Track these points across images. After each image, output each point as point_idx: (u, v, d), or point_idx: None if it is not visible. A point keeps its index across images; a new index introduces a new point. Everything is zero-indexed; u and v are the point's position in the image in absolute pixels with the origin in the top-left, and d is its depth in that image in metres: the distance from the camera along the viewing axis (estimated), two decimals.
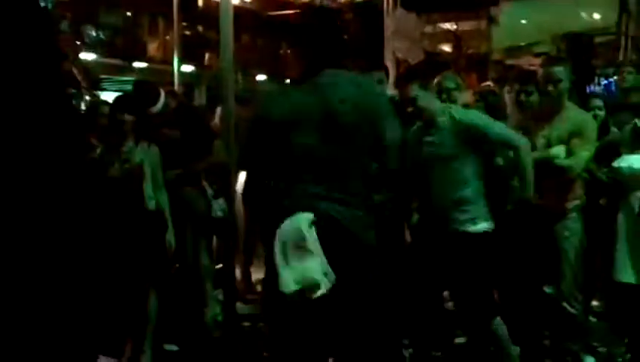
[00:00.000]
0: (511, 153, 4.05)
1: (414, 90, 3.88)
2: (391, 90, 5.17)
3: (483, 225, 3.87)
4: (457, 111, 3.96)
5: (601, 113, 4.75)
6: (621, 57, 9.61)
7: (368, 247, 2.81)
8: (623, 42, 9.79)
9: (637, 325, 4.16)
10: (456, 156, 3.83)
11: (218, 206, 5.36)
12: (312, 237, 2.64)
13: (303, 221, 2.66)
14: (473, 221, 3.85)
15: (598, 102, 4.85)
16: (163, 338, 4.77)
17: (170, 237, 4.54)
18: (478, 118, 3.96)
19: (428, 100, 3.91)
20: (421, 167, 3.92)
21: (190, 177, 4.96)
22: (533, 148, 4.11)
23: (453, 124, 3.84)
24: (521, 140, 3.92)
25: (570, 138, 4.10)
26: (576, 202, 4.19)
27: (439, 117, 3.89)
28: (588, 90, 8.75)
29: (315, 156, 2.78)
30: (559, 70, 4.14)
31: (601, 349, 4.66)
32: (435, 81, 4.27)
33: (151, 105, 4.94)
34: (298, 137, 2.78)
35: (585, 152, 4.10)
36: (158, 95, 5.01)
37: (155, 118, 4.91)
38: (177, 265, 5.02)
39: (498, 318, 3.91)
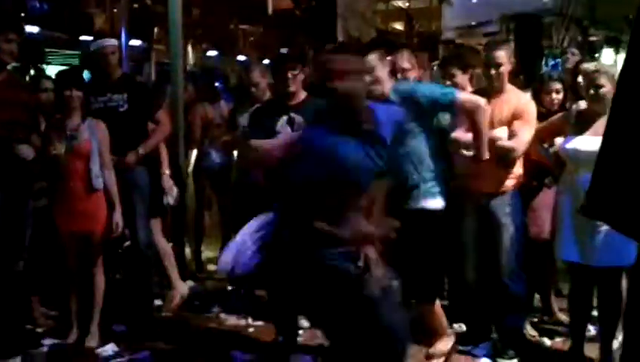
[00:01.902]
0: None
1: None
2: None
3: (437, 203, 3.92)
4: (400, 85, 3.97)
5: (559, 96, 4.79)
6: (566, 38, 9.77)
7: None
8: (567, 24, 9.95)
9: (582, 301, 4.26)
10: (408, 132, 3.85)
11: (172, 196, 5.31)
12: None
13: None
14: (426, 198, 3.90)
15: (557, 86, 4.85)
16: (111, 318, 4.70)
17: (117, 216, 4.46)
18: (413, 85, 3.98)
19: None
20: None
21: (147, 157, 4.85)
22: None
23: (398, 100, 3.85)
24: (455, 97, 3.93)
25: (511, 120, 4.16)
26: (515, 181, 4.26)
27: (391, 96, 3.89)
28: (544, 70, 8.86)
29: None
30: (500, 54, 4.20)
31: (545, 325, 4.78)
32: (389, 59, 4.26)
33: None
34: None
35: (526, 134, 4.17)
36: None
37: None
38: (127, 245, 4.95)
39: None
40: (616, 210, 1.76)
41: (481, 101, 3.97)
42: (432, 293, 4.10)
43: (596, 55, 10.48)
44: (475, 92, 4.40)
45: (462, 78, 4.72)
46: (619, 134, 1.76)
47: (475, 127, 3.97)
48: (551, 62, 11.25)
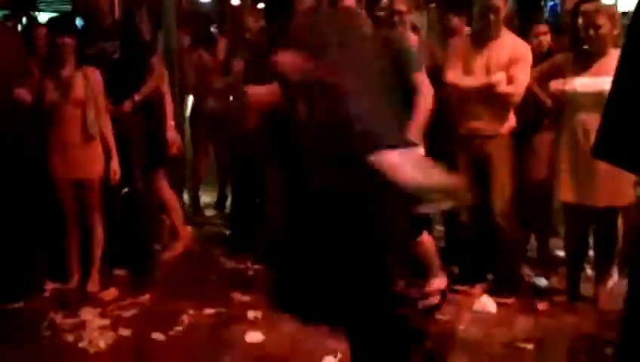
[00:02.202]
0: None
1: None
2: None
3: None
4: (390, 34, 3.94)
5: (547, 37, 4.79)
6: None
7: None
8: None
9: (579, 241, 4.30)
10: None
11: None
12: None
13: None
14: None
15: (542, 28, 4.89)
16: (111, 262, 4.75)
17: (114, 164, 4.45)
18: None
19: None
20: None
21: (146, 106, 4.81)
22: (471, 72, 4.21)
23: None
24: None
25: (509, 64, 4.17)
26: (510, 125, 4.29)
27: None
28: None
29: None
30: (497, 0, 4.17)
31: (541, 264, 4.84)
32: (385, 1, 4.21)
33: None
34: None
35: (523, 77, 4.18)
36: None
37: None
38: (125, 191, 4.96)
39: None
40: (628, 151, 1.76)
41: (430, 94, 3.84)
42: (416, 227, 4.09)
43: None
44: (472, 35, 4.38)
45: (457, 21, 4.72)
46: (631, 74, 1.75)
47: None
48: (550, 4, 11.11)
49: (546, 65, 4.33)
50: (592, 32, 3.98)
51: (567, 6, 5.64)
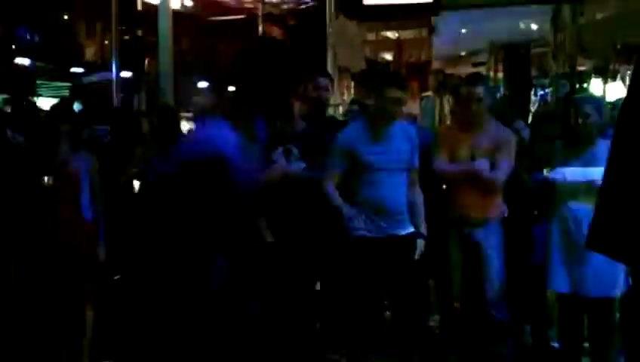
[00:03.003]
0: None
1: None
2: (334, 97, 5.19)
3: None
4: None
5: (525, 132, 4.89)
6: (554, 68, 9.85)
7: None
8: (556, 54, 10.05)
9: (573, 331, 4.24)
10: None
11: None
12: None
13: None
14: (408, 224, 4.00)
15: (521, 124, 4.99)
16: (100, 352, 4.64)
17: (100, 249, 4.42)
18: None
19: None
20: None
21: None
22: (457, 159, 4.30)
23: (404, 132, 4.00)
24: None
25: (493, 151, 4.24)
26: (498, 211, 4.31)
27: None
28: (532, 100, 8.95)
29: None
30: (480, 89, 4.30)
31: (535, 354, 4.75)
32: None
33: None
34: None
35: (507, 164, 4.24)
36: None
37: None
38: (116, 278, 4.90)
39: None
40: (621, 243, 1.75)
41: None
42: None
43: (584, 85, 10.56)
44: (457, 124, 4.51)
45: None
46: (622, 165, 1.77)
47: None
48: (540, 92, 11.34)
49: (532, 155, 4.41)
50: (580, 120, 4.05)
51: (558, 94, 5.78)
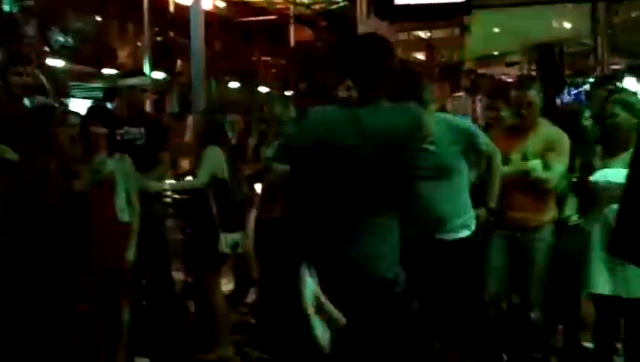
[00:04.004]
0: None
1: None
2: None
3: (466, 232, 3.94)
4: (452, 118, 4.07)
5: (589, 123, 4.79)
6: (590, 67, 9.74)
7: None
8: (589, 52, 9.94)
9: (609, 333, 4.17)
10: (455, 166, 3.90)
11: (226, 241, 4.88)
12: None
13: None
14: (462, 229, 3.91)
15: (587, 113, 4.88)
16: (135, 350, 4.67)
17: (129, 251, 4.41)
18: (470, 125, 4.12)
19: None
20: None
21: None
22: (509, 162, 4.22)
23: (450, 132, 3.89)
24: (497, 151, 4.07)
25: (545, 152, 4.19)
26: (551, 215, 4.26)
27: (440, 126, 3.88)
28: (558, 101, 8.85)
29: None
30: (532, 93, 4.24)
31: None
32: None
33: None
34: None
35: (560, 165, 4.18)
36: None
37: None
38: (149, 277, 4.94)
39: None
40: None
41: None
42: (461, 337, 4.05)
43: (618, 84, 10.44)
44: (508, 128, 4.42)
45: (506, 112, 4.77)
46: None
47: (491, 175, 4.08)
48: (573, 92, 11.20)
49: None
50: (609, 120, 3.99)
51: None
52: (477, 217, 4.01)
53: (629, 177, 1.76)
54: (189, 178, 5.25)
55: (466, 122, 4.26)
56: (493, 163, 4.05)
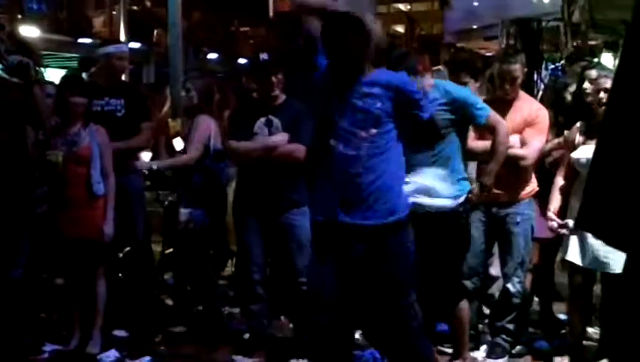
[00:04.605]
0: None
1: None
2: None
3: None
4: (451, 86, 3.94)
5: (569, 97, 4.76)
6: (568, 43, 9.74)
7: None
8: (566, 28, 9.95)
9: (583, 304, 4.21)
10: (448, 132, 3.82)
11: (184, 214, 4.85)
12: None
13: None
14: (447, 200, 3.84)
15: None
16: (112, 323, 4.66)
17: (107, 227, 4.35)
18: (469, 94, 3.98)
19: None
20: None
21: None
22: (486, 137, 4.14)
23: (447, 99, 3.81)
24: (503, 123, 3.94)
25: (523, 127, 4.16)
26: (529, 189, 4.26)
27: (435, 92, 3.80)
28: (543, 74, 8.86)
29: None
30: (516, 68, 4.19)
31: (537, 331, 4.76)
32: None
33: None
34: None
35: (537, 142, 4.16)
36: None
37: None
38: (127, 250, 4.91)
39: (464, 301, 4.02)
40: (607, 224, 1.74)
41: (505, 125, 3.94)
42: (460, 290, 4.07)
43: (595, 60, 10.46)
44: (489, 101, 4.35)
45: (473, 85, 4.69)
46: (610, 145, 1.74)
47: (495, 147, 3.92)
48: (550, 67, 11.21)
49: (562, 139, 4.31)
50: (602, 95, 3.95)
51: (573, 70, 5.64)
52: (469, 191, 3.95)
53: (595, 151, 1.77)
54: (180, 142, 5.19)
55: (464, 91, 4.04)
56: (497, 137, 3.88)
